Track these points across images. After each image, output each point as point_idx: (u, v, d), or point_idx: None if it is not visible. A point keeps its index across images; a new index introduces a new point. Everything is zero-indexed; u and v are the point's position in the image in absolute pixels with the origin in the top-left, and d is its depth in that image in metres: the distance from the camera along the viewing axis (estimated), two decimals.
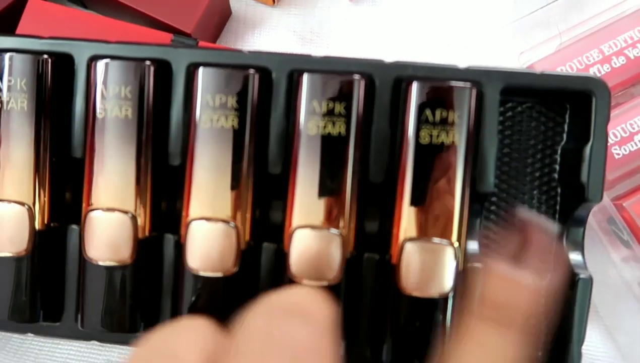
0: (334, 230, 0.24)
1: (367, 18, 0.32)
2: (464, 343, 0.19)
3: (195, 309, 0.25)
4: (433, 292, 0.24)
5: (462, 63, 0.25)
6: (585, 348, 0.26)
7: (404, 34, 0.32)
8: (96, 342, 0.28)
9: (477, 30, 0.31)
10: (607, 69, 0.29)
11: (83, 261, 0.26)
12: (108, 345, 0.28)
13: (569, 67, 0.29)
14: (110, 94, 0.25)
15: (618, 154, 0.28)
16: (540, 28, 0.31)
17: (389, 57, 0.25)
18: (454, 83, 0.24)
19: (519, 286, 0.19)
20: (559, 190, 0.27)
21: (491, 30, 0.31)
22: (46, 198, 0.26)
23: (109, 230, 0.25)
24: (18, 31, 0.29)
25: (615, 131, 0.28)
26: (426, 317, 0.24)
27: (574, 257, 0.26)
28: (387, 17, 0.32)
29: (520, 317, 0.19)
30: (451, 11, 0.32)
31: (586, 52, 0.29)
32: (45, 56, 0.26)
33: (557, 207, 0.27)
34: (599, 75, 0.28)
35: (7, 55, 0.26)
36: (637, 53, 0.29)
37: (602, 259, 0.29)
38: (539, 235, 0.21)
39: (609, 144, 0.27)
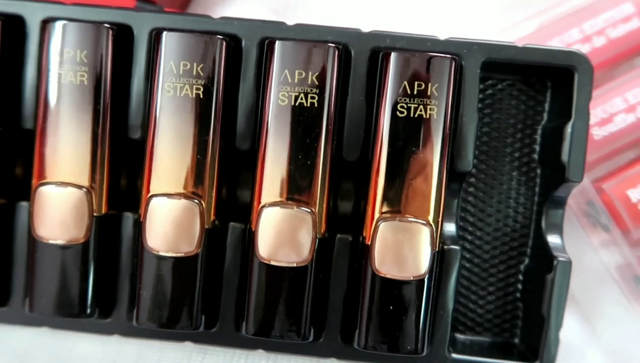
0: (304, 209, 0.23)
1: None
2: None
3: (154, 293, 0.24)
4: (408, 274, 0.23)
5: (442, 35, 0.24)
6: (563, 336, 0.25)
7: (383, 10, 0.31)
8: (47, 328, 0.26)
9: (459, 7, 0.30)
10: (588, 48, 0.28)
11: (32, 240, 0.24)
12: (60, 332, 0.26)
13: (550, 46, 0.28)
14: (64, 58, 0.23)
15: (598, 136, 0.27)
16: (522, 5, 0.30)
17: (367, 28, 0.24)
18: (433, 54, 0.23)
19: None
20: (538, 170, 0.26)
21: (474, 6, 0.30)
22: None
23: (61, 206, 0.23)
24: None
25: (595, 112, 0.27)
26: (400, 299, 0.23)
27: (553, 239, 0.25)
28: None
29: None
30: None
31: (567, 30, 0.28)
32: None
33: (537, 189, 0.26)
34: None
35: None
36: (618, 33, 0.28)
37: (580, 243, 0.29)
38: None
39: (590, 125, 0.27)
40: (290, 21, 0.24)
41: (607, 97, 0.28)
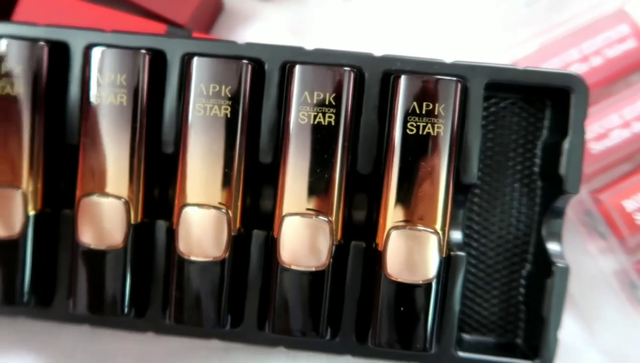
0: (322, 218, 0.25)
1: (359, 13, 0.33)
2: None
3: (185, 295, 0.26)
4: (417, 278, 0.25)
5: (449, 58, 0.26)
6: (563, 337, 0.27)
7: (394, 30, 0.33)
8: (88, 326, 0.28)
9: (465, 26, 0.32)
10: (586, 68, 0.30)
11: (76, 245, 0.26)
12: (98, 328, 0.28)
13: (550, 65, 0.30)
14: (105, 82, 0.26)
15: (595, 150, 0.29)
16: (524, 26, 0.32)
17: (378, 51, 0.26)
18: (440, 77, 0.25)
19: None
20: (539, 183, 0.28)
21: (478, 26, 0.32)
22: (40, 183, 0.27)
23: (101, 215, 0.26)
24: (14, 18, 0.30)
25: (592, 128, 0.29)
26: (410, 301, 0.25)
27: (552, 247, 0.27)
28: (378, 13, 0.33)
29: None
30: (441, 8, 0.33)
31: (566, 50, 0.30)
32: (42, 43, 0.26)
33: (537, 200, 0.28)
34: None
35: (2, 41, 0.26)
36: (614, 53, 0.30)
37: (579, 250, 0.31)
38: None
39: (586, 140, 0.29)
40: (308, 40, 0.26)
41: (604, 113, 0.30)
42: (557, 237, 0.27)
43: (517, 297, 0.29)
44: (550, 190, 0.27)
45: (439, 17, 0.33)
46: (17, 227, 0.26)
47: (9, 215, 0.26)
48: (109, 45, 0.26)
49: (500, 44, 0.32)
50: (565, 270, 0.26)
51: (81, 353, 0.30)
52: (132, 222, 0.26)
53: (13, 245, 0.26)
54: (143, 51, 0.26)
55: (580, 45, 0.30)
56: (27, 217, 0.26)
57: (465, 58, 0.26)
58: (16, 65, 0.26)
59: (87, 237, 0.26)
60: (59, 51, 0.27)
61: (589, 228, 0.30)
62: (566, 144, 0.26)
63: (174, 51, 0.27)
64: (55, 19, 0.28)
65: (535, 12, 0.32)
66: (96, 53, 0.26)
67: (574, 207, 0.30)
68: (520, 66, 0.26)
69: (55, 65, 0.27)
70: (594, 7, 0.31)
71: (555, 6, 0.31)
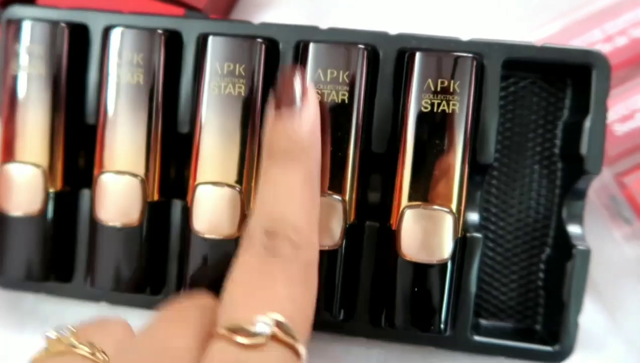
0: (335, 197, 0.25)
1: (376, 2, 0.33)
2: (260, 184, 0.21)
3: (200, 272, 0.26)
4: (432, 258, 0.24)
5: (465, 36, 0.26)
6: (584, 325, 0.26)
7: (412, 18, 0.33)
8: (105, 303, 0.29)
9: (482, 9, 0.32)
10: (610, 48, 0.29)
11: (93, 223, 0.27)
12: (116, 306, 0.29)
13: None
14: (123, 61, 0.26)
15: (619, 131, 0.28)
16: (545, 8, 0.31)
17: (394, 31, 0.26)
18: (455, 53, 0.24)
19: (279, 128, 0.21)
20: (559, 164, 0.28)
21: (497, 9, 0.32)
22: (60, 162, 0.27)
23: (118, 192, 0.26)
24: (37, 1, 0.31)
25: (616, 109, 0.28)
26: (425, 282, 0.24)
27: (573, 229, 0.27)
28: (395, 1, 0.33)
29: (292, 149, 0.20)
30: None
31: (588, 31, 0.29)
32: (62, 25, 0.27)
33: (558, 181, 0.28)
34: None
35: (26, 23, 0.27)
36: None
37: (603, 236, 0.30)
38: (281, 75, 0.21)
39: (611, 121, 0.28)
40: (323, 26, 0.26)
41: (629, 94, 0.29)
42: (578, 219, 0.27)
43: (536, 282, 0.28)
44: (571, 171, 0.27)
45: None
46: (38, 204, 0.27)
47: (30, 193, 0.27)
48: (126, 26, 0.26)
49: (520, 27, 0.31)
50: (587, 253, 0.26)
51: None
52: (148, 200, 0.26)
53: (34, 223, 0.27)
54: (160, 31, 0.26)
55: (604, 25, 0.29)
56: (47, 194, 0.27)
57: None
58: (38, 46, 0.27)
59: (104, 214, 0.26)
60: (79, 33, 0.27)
61: (612, 213, 0.29)
62: (587, 123, 0.25)
63: (189, 31, 0.27)
64: (76, 2, 0.29)
65: None
66: (114, 34, 0.26)
67: (598, 191, 0.29)
68: (539, 43, 0.25)
69: (75, 47, 0.27)
70: None
71: None
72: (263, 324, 0.18)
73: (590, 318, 0.29)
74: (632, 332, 0.29)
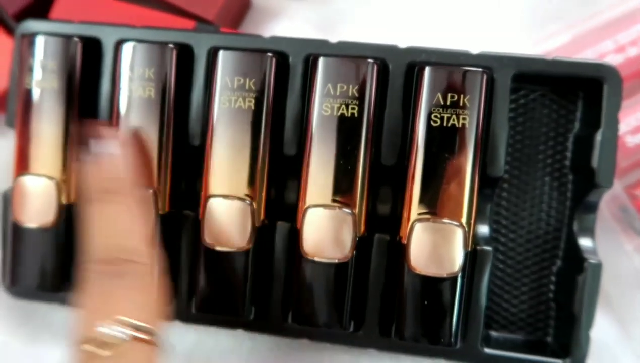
0: (345, 210, 0.25)
1: (385, 10, 0.33)
2: (85, 225, 0.23)
3: (210, 284, 0.26)
4: (442, 271, 0.24)
5: (475, 50, 0.26)
6: (597, 338, 0.26)
7: (420, 25, 0.33)
8: None
9: (492, 21, 0.32)
10: (621, 59, 0.29)
11: None
12: None
13: (583, 58, 0.29)
14: (134, 75, 0.26)
15: (631, 143, 0.28)
16: (555, 19, 0.31)
17: (404, 44, 0.26)
18: (465, 67, 0.24)
19: (88, 171, 0.23)
20: (570, 177, 0.27)
21: (506, 20, 0.32)
22: (73, 175, 0.27)
23: None
24: (50, 16, 0.31)
25: (628, 120, 0.28)
26: (435, 295, 0.24)
27: (584, 242, 0.26)
28: (404, 10, 0.33)
29: (100, 188, 0.23)
30: (467, 1, 0.32)
31: (600, 42, 0.29)
32: (75, 39, 0.27)
33: (569, 194, 0.27)
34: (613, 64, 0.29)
35: (39, 38, 0.27)
36: None
37: (615, 248, 0.29)
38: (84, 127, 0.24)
39: (622, 133, 0.28)
40: (333, 37, 0.26)
41: None
42: (589, 232, 0.27)
43: (547, 294, 0.28)
44: (582, 184, 0.27)
45: (465, 10, 0.32)
46: (51, 216, 0.27)
47: (44, 205, 0.27)
48: (138, 41, 0.27)
49: (530, 38, 0.31)
50: (598, 267, 0.25)
51: None
52: (160, 212, 0.27)
53: (48, 234, 0.27)
54: (171, 45, 0.26)
55: (616, 36, 0.29)
56: (61, 206, 0.27)
57: (495, 51, 0.26)
58: (52, 60, 0.27)
59: None
60: (92, 47, 0.28)
61: (624, 225, 0.29)
62: (598, 136, 0.25)
63: (200, 45, 0.27)
64: (89, 17, 0.29)
65: (566, 4, 0.31)
66: (126, 48, 0.27)
67: (609, 203, 0.29)
68: (549, 57, 0.25)
69: (88, 61, 0.28)
70: None
71: None
72: (113, 328, 0.20)
73: (602, 330, 0.29)
74: None
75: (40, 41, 0.27)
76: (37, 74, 0.27)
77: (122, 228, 0.22)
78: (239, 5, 0.33)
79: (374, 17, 0.33)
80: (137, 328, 0.21)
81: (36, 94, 0.27)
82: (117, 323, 0.20)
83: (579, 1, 0.31)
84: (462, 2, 0.32)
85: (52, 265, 0.28)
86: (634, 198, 0.28)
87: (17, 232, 0.27)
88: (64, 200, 0.27)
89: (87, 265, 0.22)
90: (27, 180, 0.27)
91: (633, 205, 0.28)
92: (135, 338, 0.20)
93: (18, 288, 0.29)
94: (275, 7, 0.34)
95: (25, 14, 0.31)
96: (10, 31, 0.32)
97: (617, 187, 0.29)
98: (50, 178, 0.27)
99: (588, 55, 0.29)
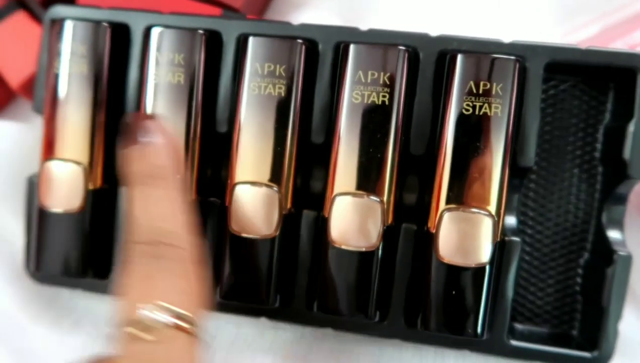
0: (373, 198, 0.25)
1: (410, 2, 0.33)
2: (130, 206, 0.23)
3: (236, 272, 0.26)
4: (470, 262, 0.24)
5: (506, 39, 0.25)
6: (623, 332, 0.26)
7: (448, 16, 0.32)
8: None
9: (524, 10, 0.32)
10: None
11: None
12: None
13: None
14: (164, 61, 0.26)
15: None
16: (585, 10, 0.31)
17: (434, 32, 0.26)
18: (498, 55, 0.24)
19: (131, 156, 0.23)
20: (599, 168, 0.27)
21: (535, 11, 0.31)
22: (101, 160, 0.27)
23: None
24: (78, 2, 0.31)
25: None
26: (462, 285, 0.24)
27: (613, 234, 0.26)
28: (431, 1, 0.33)
29: (149, 172, 0.23)
30: None
31: (630, 33, 0.29)
32: (105, 24, 0.27)
33: (597, 186, 0.27)
34: None
35: (68, 23, 0.27)
36: None
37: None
38: (129, 118, 0.25)
39: None
40: (361, 26, 0.26)
41: None
42: (618, 224, 0.26)
43: (573, 287, 0.28)
44: (612, 175, 0.26)
45: (494, 2, 0.32)
46: (78, 201, 0.27)
47: (71, 190, 0.27)
48: (167, 26, 0.27)
49: (559, 29, 0.31)
50: (628, 259, 0.25)
51: None
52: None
53: (73, 219, 0.27)
54: (200, 31, 0.26)
55: None
56: (87, 192, 0.27)
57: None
58: (81, 45, 0.27)
59: None
60: (121, 32, 0.28)
61: None
62: (631, 127, 0.25)
63: (229, 32, 0.27)
64: (116, 3, 0.29)
65: None
66: (155, 33, 0.27)
67: (638, 194, 0.29)
68: (582, 46, 0.25)
69: (117, 46, 0.28)
70: None
71: None
72: (156, 313, 0.20)
73: (628, 325, 0.29)
74: None
75: (69, 26, 0.27)
76: (66, 59, 0.27)
77: (164, 212, 0.22)
78: None
79: (400, 8, 0.33)
80: (178, 316, 0.20)
81: (64, 79, 0.27)
82: (159, 308, 0.20)
83: None
84: None
85: (77, 251, 0.28)
86: None
87: (43, 216, 0.28)
88: (90, 186, 0.27)
89: (129, 245, 0.22)
90: (54, 165, 0.27)
91: None
92: (177, 326, 0.20)
93: (42, 273, 0.29)
94: None
95: (52, 0, 0.31)
96: (37, 18, 0.32)
97: None
98: (78, 163, 0.27)
99: (618, 46, 0.29)
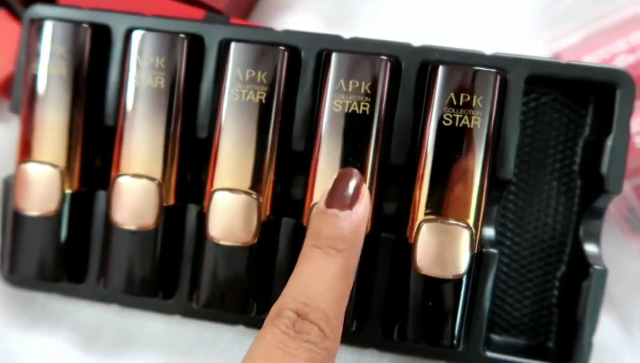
0: None
1: (397, 5, 0.33)
2: (300, 261, 0.22)
3: (213, 279, 0.26)
4: (447, 273, 0.24)
5: (489, 50, 0.25)
6: (601, 339, 0.26)
7: (433, 22, 0.32)
8: (116, 305, 0.28)
9: (505, 19, 0.32)
10: (633, 59, 0.29)
11: (109, 225, 0.27)
12: (127, 309, 0.29)
13: (595, 57, 0.29)
14: (144, 64, 0.26)
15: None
16: (568, 17, 0.31)
17: (416, 42, 0.26)
18: (479, 68, 0.24)
19: (328, 217, 0.22)
20: (578, 182, 0.27)
21: (518, 18, 0.31)
22: (78, 163, 0.27)
23: (135, 196, 0.26)
24: (59, 1, 0.30)
25: (638, 121, 0.28)
26: (439, 297, 0.24)
27: (590, 248, 0.26)
28: (417, 6, 0.33)
29: (338, 240, 0.22)
30: (478, 0, 0.32)
31: (612, 42, 0.29)
32: (85, 26, 0.27)
33: (576, 199, 0.27)
34: (624, 65, 0.28)
35: (48, 23, 0.27)
36: None
37: (621, 249, 0.29)
38: (340, 177, 0.23)
39: (631, 134, 0.27)
40: (344, 31, 0.26)
41: None
42: (595, 238, 0.26)
43: (550, 299, 0.28)
44: (590, 189, 0.26)
45: (476, 9, 0.32)
46: (54, 204, 0.27)
47: (47, 193, 0.27)
48: (149, 29, 0.26)
49: (542, 36, 0.31)
50: (603, 273, 0.25)
51: (108, 329, 0.30)
52: (164, 204, 0.26)
53: (49, 222, 0.27)
54: (182, 35, 0.26)
55: (628, 36, 0.29)
56: (64, 195, 0.27)
57: (506, 50, 0.26)
58: (60, 46, 0.27)
59: (120, 216, 0.26)
60: (101, 34, 0.27)
61: (632, 226, 0.29)
62: (609, 142, 0.25)
63: (212, 36, 0.27)
64: (97, 3, 0.29)
65: (577, 4, 0.30)
66: (136, 36, 0.26)
67: (617, 203, 0.29)
68: (563, 59, 0.25)
69: (97, 48, 0.27)
70: None
71: None
72: None
73: (607, 332, 0.29)
74: None
75: (48, 26, 0.27)
76: (45, 60, 0.27)
77: (329, 291, 0.21)
78: None
79: (386, 11, 0.33)
80: None
81: (43, 80, 0.27)
82: None
83: (590, 1, 0.30)
84: (474, 1, 0.32)
85: (53, 255, 0.27)
86: None
87: (18, 219, 0.27)
88: (67, 189, 0.27)
89: (277, 305, 0.21)
90: (30, 167, 0.27)
91: None
92: None
93: (16, 277, 0.28)
94: None
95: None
96: (16, 16, 0.31)
97: (626, 188, 0.28)
98: (54, 166, 0.27)
99: (599, 55, 0.29)
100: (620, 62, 0.29)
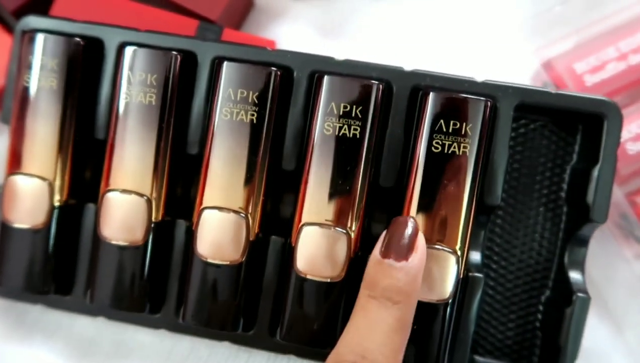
0: (340, 229, 0.25)
1: (388, 13, 0.33)
2: (356, 311, 0.22)
3: (200, 296, 0.26)
4: (433, 297, 0.24)
5: (479, 75, 0.26)
6: (595, 343, 0.26)
7: (424, 29, 0.32)
8: (103, 318, 0.29)
9: (496, 27, 0.32)
10: (624, 66, 0.29)
11: (97, 239, 0.27)
12: (116, 322, 0.29)
13: (586, 64, 0.29)
14: (136, 80, 0.26)
15: (632, 150, 0.28)
16: (558, 25, 0.31)
17: (408, 61, 0.26)
18: (469, 96, 0.24)
19: (385, 267, 0.22)
20: (565, 209, 0.28)
21: (509, 26, 0.32)
22: (67, 176, 0.27)
23: (124, 211, 0.26)
24: (52, 13, 0.30)
25: (629, 127, 0.28)
26: (424, 320, 0.25)
27: (574, 275, 0.27)
28: (408, 13, 0.33)
29: (394, 291, 0.22)
30: (471, 7, 0.32)
31: (603, 49, 0.29)
32: (77, 39, 0.27)
33: (562, 226, 0.28)
34: (614, 72, 0.29)
35: (40, 35, 0.27)
36: None
37: (613, 255, 0.29)
38: (395, 226, 0.23)
39: (623, 140, 0.28)
40: (336, 40, 0.26)
41: None
42: (579, 265, 0.27)
43: (534, 323, 0.28)
44: (576, 217, 0.27)
45: (467, 16, 0.32)
46: (42, 217, 0.27)
47: (35, 206, 0.27)
48: (142, 45, 0.26)
49: (533, 43, 0.31)
50: (586, 301, 0.26)
51: (103, 342, 0.30)
52: (154, 219, 0.26)
53: (37, 235, 0.27)
54: (174, 52, 0.26)
55: (618, 43, 0.29)
56: (52, 207, 0.27)
57: (497, 56, 0.26)
58: (52, 59, 0.26)
59: (108, 231, 0.26)
60: (94, 48, 0.27)
61: (624, 232, 0.29)
62: (595, 172, 0.25)
63: (205, 54, 0.27)
64: (91, 15, 0.29)
65: (568, 11, 0.31)
66: (129, 52, 0.26)
67: (610, 210, 0.29)
68: (554, 67, 0.25)
69: (89, 61, 0.27)
70: (633, 4, 0.29)
71: (590, 5, 0.30)
72: None
73: (601, 337, 0.29)
74: None
75: (40, 39, 0.27)
76: (36, 72, 0.27)
77: (388, 343, 0.21)
78: (243, 5, 0.32)
79: (378, 20, 0.33)
80: None
81: (34, 92, 0.27)
82: None
83: (581, 8, 0.31)
84: (464, 8, 0.32)
85: (40, 267, 0.27)
86: (635, 205, 0.29)
87: (6, 231, 0.27)
88: (55, 202, 0.27)
89: (336, 353, 0.21)
90: (19, 179, 0.27)
91: (633, 212, 0.28)
92: None
93: (3, 287, 0.28)
94: (278, 7, 0.34)
95: (25, 10, 0.30)
96: (8, 28, 0.31)
97: (618, 194, 0.29)
98: (43, 179, 0.27)
99: (590, 62, 0.29)
100: (611, 69, 0.29)
